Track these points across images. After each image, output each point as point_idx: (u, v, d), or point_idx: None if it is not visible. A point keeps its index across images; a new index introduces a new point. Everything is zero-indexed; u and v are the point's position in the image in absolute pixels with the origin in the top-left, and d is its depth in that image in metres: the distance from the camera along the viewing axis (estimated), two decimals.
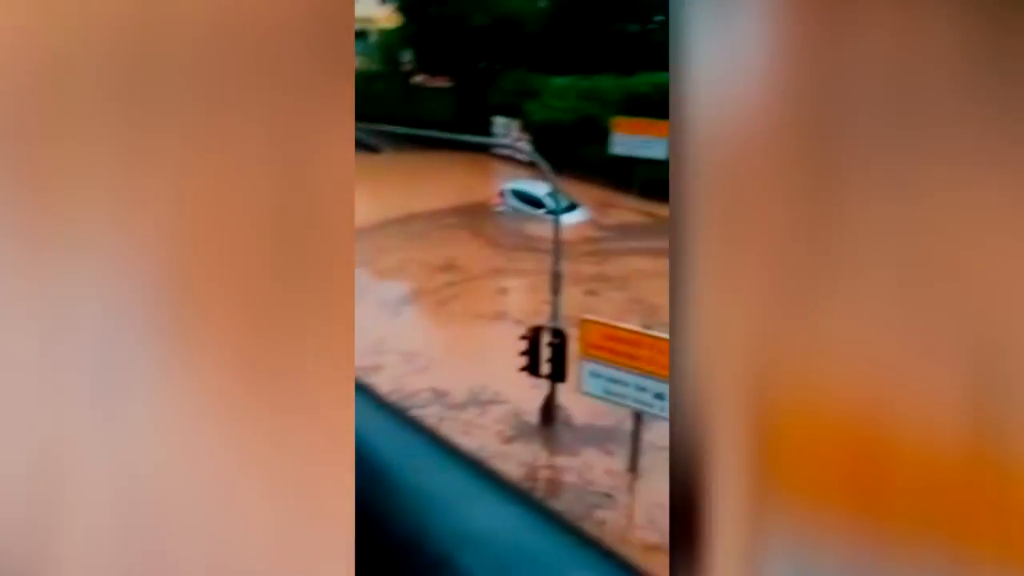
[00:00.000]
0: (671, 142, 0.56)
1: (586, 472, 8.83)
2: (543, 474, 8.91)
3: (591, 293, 14.24)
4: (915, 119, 0.49)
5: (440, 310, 13.66)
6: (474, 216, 19.55)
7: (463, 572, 0.53)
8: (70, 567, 0.51)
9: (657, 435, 8.89)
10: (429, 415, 9.84)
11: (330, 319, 0.56)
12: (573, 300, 12.11)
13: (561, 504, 8.19)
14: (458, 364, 11.28)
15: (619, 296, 14.19)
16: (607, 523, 8.00)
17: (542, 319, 11.13)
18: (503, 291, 14.75)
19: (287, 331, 0.55)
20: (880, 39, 0.48)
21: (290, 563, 0.55)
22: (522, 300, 14.30)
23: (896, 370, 0.51)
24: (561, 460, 9.11)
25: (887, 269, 0.51)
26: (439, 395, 10.31)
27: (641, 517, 8.06)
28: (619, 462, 8.82)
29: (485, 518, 0.56)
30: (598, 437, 9.46)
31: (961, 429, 0.49)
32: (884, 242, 0.51)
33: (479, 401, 10.28)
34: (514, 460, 9.07)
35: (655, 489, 8.30)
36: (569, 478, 8.75)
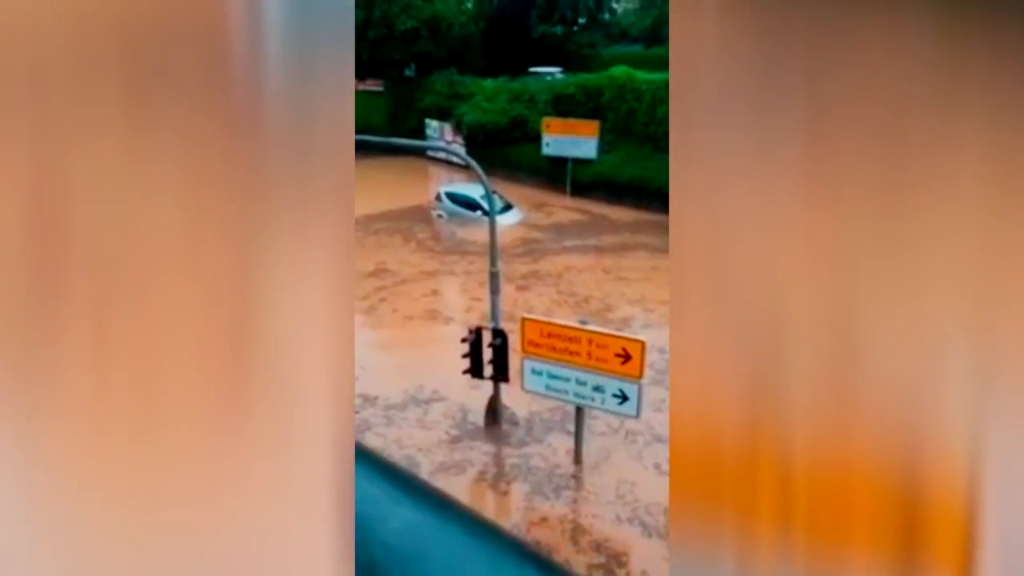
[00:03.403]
0: (671, 150, 0.59)
1: (551, 456, 9.11)
2: (510, 461, 9.10)
3: (523, 288, 14.49)
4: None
5: (369, 316, 13.59)
6: (407, 220, 19.44)
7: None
8: None
9: (601, 422, 9.37)
10: (371, 416, 9.83)
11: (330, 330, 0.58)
12: (507, 296, 12.29)
13: (528, 486, 8.51)
14: (388, 369, 11.27)
15: (551, 291, 14.48)
16: (577, 502, 8.25)
17: (474, 317, 11.15)
18: (435, 292, 14.78)
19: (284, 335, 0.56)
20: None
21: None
22: (454, 301, 14.37)
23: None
24: (525, 449, 9.29)
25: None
26: (368, 400, 10.27)
27: (609, 494, 8.37)
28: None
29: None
30: (558, 420, 9.74)
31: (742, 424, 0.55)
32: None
33: (418, 401, 10.31)
34: (477, 450, 9.32)
35: (616, 467, 8.79)
36: (535, 463, 8.97)
